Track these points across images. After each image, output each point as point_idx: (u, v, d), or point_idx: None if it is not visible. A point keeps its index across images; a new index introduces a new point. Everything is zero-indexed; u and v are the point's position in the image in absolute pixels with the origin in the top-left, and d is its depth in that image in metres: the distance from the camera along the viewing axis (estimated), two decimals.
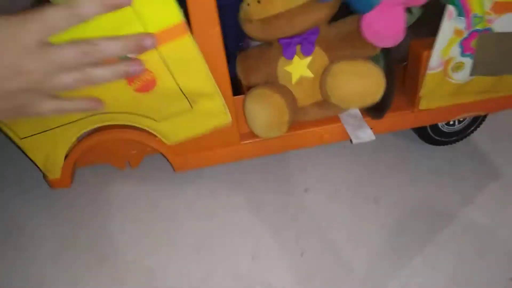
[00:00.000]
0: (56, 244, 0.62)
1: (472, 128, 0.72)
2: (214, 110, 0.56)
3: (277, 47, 0.59)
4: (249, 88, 0.60)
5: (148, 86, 0.49)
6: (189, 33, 0.46)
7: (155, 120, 0.56)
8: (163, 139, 0.60)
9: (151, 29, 0.44)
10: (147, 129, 0.58)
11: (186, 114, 0.55)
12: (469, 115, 0.67)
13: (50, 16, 0.36)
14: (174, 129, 0.58)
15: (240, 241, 0.61)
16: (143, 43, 0.42)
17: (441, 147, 0.74)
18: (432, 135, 0.71)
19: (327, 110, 0.61)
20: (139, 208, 0.67)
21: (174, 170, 0.63)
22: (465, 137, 0.73)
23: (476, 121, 0.71)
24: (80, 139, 0.61)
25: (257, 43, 0.65)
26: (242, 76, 0.63)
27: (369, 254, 0.58)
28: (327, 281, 0.55)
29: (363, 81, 0.55)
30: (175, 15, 0.44)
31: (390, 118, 0.63)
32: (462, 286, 0.54)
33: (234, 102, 0.58)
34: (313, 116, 0.62)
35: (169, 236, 0.62)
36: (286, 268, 0.57)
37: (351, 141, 0.61)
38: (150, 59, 0.46)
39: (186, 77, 0.50)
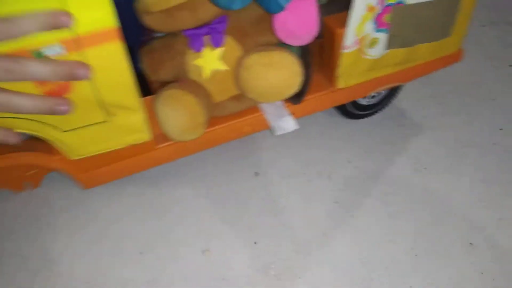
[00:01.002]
0: None
1: (395, 93, 0.73)
2: (133, 125, 0.51)
3: (183, 37, 0.52)
4: (161, 85, 0.54)
5: (60, 91, 0.43)
6: (120, 39, 0.42)
7: (61, 130, 0.49)
8: (67, 152, 0.52)
9: (81, 29, 0.40)
10: (49, 139, 0.50)
11: (100, 126, 0.49)
12: (386, 88, 0.66)
13: None
14: (82, 142, 0.51)
15: (188, 235, 0.57)
16: (76, 72, 0.40)
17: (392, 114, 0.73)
18: (353, 111, 0.70)
19: (245, 103, 0.57)
20: (71, 214, 0.60)
21: (82, 188, 0.56)
22: (389, 103, 0.74)
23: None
24: None
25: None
26: (148, 72, 0.56)
27: (325, 233, 0.57)
28: (283, 268, 0.54)
29: (278, 72, 0.51)
30: (109, 18, 0.41)
31: (310, 101, 0.61)
32: (423, 256, 0.55)
33: (144, 103, 0.51)
34: (231, 110, 0.57)
35: (107, 241, 0.57)
36: (240, 259, 0.55)
37: (272, 132, 0.58)
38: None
39: (107, 86, 0.45)
